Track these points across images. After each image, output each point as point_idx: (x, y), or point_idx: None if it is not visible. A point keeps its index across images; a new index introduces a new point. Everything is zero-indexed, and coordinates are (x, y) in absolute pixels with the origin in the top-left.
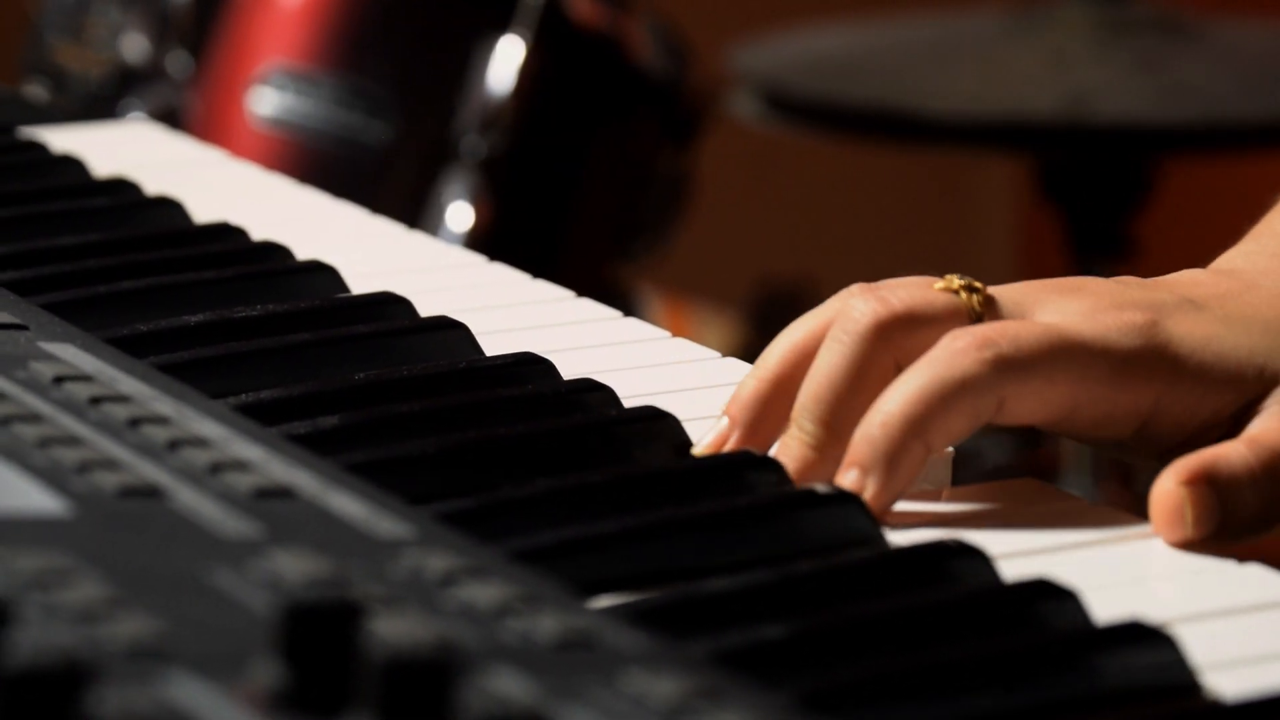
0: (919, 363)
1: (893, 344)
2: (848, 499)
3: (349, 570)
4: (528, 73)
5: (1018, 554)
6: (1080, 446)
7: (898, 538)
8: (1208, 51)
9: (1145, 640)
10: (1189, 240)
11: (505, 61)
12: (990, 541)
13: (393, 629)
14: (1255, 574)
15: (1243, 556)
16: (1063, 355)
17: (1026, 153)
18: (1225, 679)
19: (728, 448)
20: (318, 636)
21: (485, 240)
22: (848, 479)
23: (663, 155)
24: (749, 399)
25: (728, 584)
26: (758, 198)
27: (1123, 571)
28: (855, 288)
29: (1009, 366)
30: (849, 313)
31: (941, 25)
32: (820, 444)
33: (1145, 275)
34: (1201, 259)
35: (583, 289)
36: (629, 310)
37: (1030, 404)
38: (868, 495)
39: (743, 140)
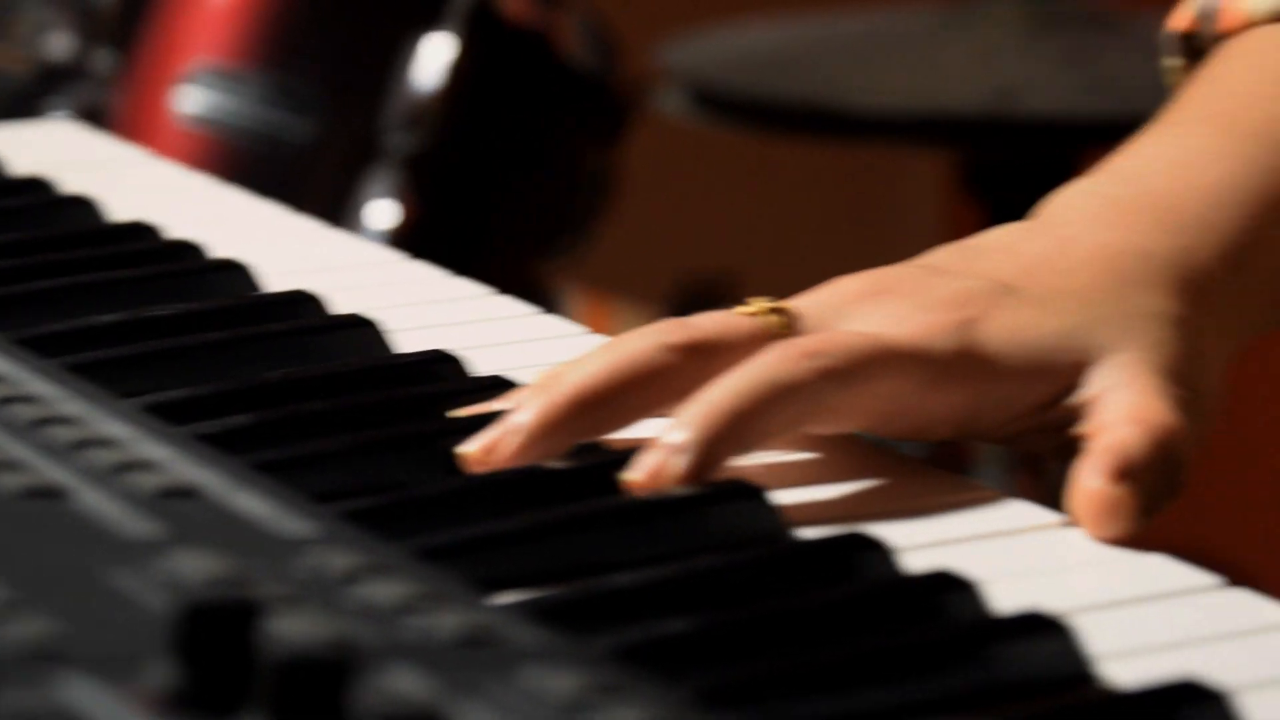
0: (743, 365)
1: (690, 366)
2: (752, 494)
3: (250, 569)
4: (455, 69)
5: (923, 546)
6: None
7: (803, 532)
8: (1134, 45)
9: (1043, 631)
10: None
11: (432, 58)
12: (897, 534)
13: (290, 628)
14: (1154, 563)
15: (1147, 546)
16: (884, 363)
17: (954, 148)
18: (1121, 668)
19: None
20: (214, 636)
21: (410, 238)
22: (654, 457)
23: (589, 152)
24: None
25: (631, 579)
26: (684, 194)
27: (1024, 562)
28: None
29: (833, 375)
30: (656, 324)
31: (871, 21)
32: (543, 424)
33: None
34: None
35: (508, 286)
36: (552, 307)
37: (850, 412)
38: (670, 472)
39: (670, 136)
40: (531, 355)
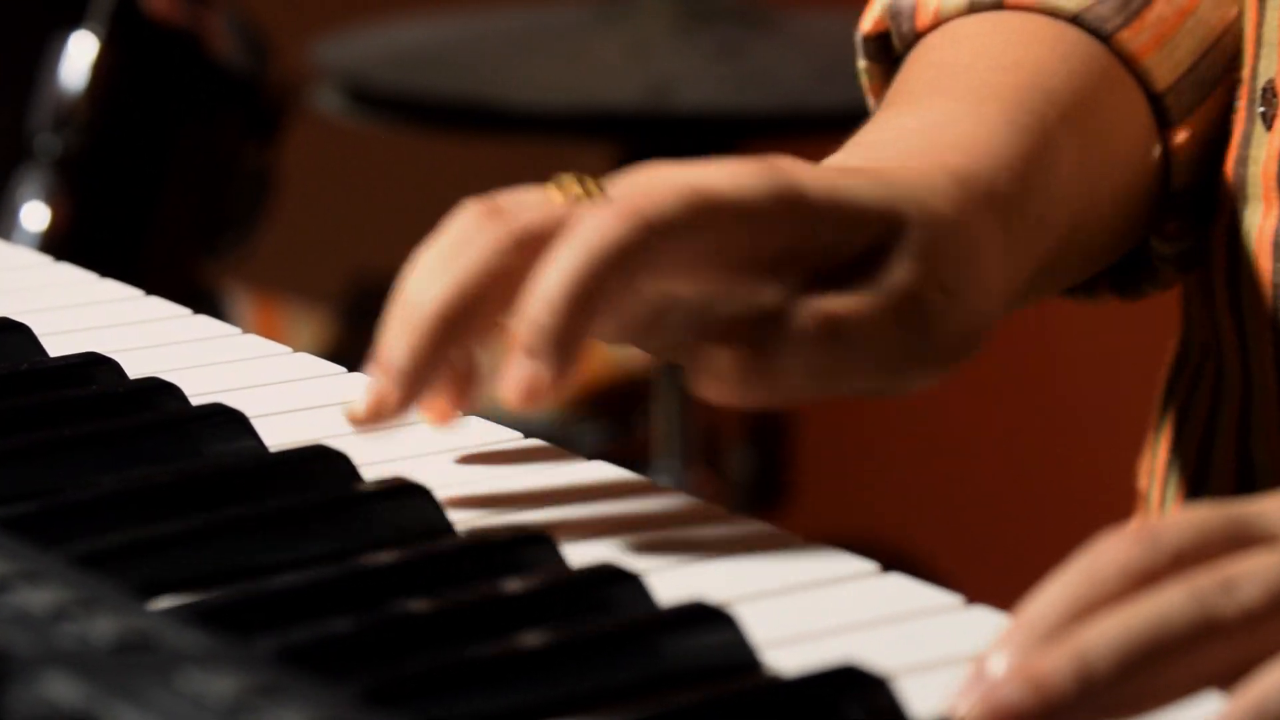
0: (564, 241)
1: (527, 258)
2: (417, 491)
3: None
4: (102, 69)
5: (588, 539)
6: (671, 433)
7: (471, 527)
8: (784, 40)
9: (707, 621)
10: None
11: (78, 57)
12: (559, 527)
13: None
14: (813, 550)
15: (810, 534)
16: (702, 207)
17: (612, 142)
18: (784, 655)
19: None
20: None
21: (64, 241)
22: (521, 368)
23: (246, 151)
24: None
25: (294, 579)
26: (347, 193)
27: (686, 552)
28: (472, 202)
29: (654, 229)
30: (472, 220)
31: (524, 16)
32: (418, 360)
33: None
34: None
35: (168, 288)
36: (218, 309)
37: (677, 261)
38: (544, 381)
39: (329, 135)
40: (185, 356)
